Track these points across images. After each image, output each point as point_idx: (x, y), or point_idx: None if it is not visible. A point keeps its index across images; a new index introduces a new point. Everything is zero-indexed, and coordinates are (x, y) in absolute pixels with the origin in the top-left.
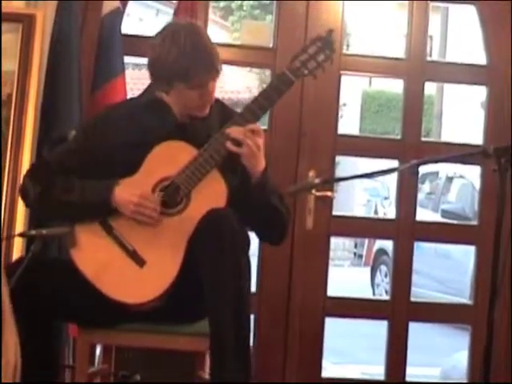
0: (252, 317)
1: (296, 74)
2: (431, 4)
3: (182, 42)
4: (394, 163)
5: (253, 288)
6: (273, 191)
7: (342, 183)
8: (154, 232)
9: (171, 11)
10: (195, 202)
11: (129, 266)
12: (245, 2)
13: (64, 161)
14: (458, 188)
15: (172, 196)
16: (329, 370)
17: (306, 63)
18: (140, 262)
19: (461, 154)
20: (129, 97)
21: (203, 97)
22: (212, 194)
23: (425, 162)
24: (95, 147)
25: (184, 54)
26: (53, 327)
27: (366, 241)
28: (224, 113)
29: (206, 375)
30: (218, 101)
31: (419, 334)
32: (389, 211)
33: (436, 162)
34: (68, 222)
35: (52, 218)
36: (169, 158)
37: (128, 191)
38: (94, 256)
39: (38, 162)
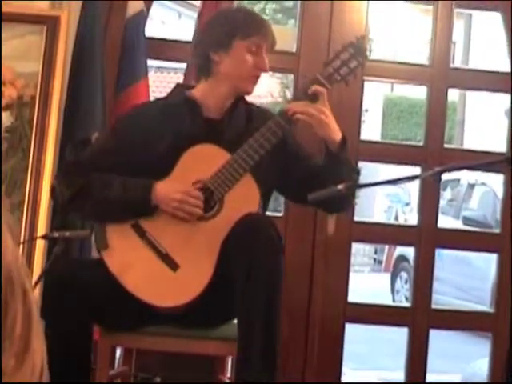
0: None
1: (329, 80)
2: (455, 10)
3: (245, 8)
4: (416, 170)
5: None
6: (348, 165)
7: (363, 189)
8: (187, 236)
9: (193, 14)
10: (228, 207)
11: (162, 270)
12: (267, 6)
13: (97, 161)
14: (479, 195)
15: (205, 200)
16: (348, 376)
17: (338, 69)
18: (173, 266)
19: (485, 161)
20: (156, 97)
21: (258, 64)
22: (245, 198)
23: (448, 169)
24: (128, 148)
25: (249, 13)
26: (81, 328)
27: (386, 247)
28: (249, 112)
29: (226, 379)
30: (245, 102)
31: (439, 340)
32: (410, 217)
33: (460, 169)
34: (105, 220)
35: (87, 217)
36: (202, 162)
37: (170, 187)
38: (126, 259)
39: (71, 161)
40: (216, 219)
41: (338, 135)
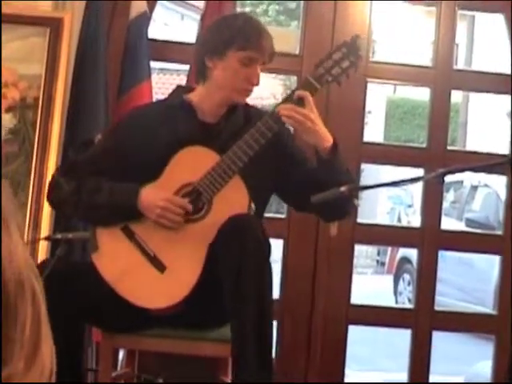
0: (275, 324)
1: (320, 81)
2: (458, 12)
3: (249, 16)
4: (419, 171)
5: (276, 295)
6: (343, 171)
7: (365, 191)
8: (175, 238)
9: (196, 16)
10: (217, 208)
11: (149, 272)
12: (270, 8)
13: (95, 162)
14: (482, 197)
15: (194, 202)
16: (351, 378)
17: (330, 70)
18: (160, 268)
19: (488, 163)
20: (155, 99)
21: (249, 78)
22: (234, 200)
23: (452, 171)
24: (125, 148)
25: (249, 23)
26: (76, 330)
27: (389, 249)
28: (248, 115)
29: (228, 380)
30: (244, 104)
31: (442, 342)
32: (412, 219)
33: (463, 170)
34: (94, 224)
35: (77, 219)
36: (191, 164)
37: (154, 195)
38: (115, 261)
39: (70, 161)
40: (204, 221)
41: (327, 141)
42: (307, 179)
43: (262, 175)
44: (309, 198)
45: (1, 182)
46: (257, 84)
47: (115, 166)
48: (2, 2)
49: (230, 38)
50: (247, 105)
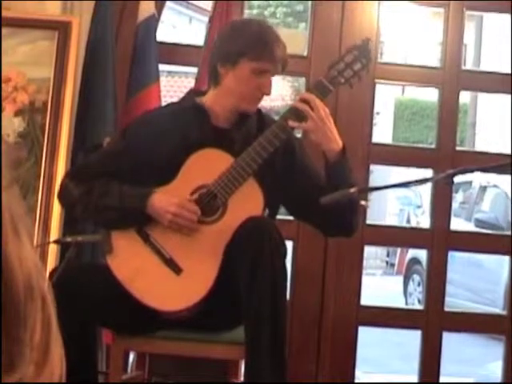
0: None
1: (333, 83)
2: (466, 12)
3: (263, 24)
4: (428, 172)
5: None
6: (350, 178)
7: (374, 192)
8: (190, 240)
9: (204, 19)
10: (232, 210)
11: (165, 274)
12: (278, 10)
13: (105, 164)
14: (491, 197)
15: (209, 204)
16: (361, 379)
17: (342, 72)
18: (177, 270)
19: (497, 163)
20: (168, 102)
21: (260, 87)
22: (249, 201)
23: (461, 172)
24: (136, 151)
25: (264, 33)
26: (89, 332)
27: (399, 250)
28: (262, 122)
29: (239, 382)
30: (257, 111)
31: (452, 343)
32: (421, 220)
33: (472, 171)
34: (104, 227)
35: (88, 222)
36: (206, 166)
37: (165, 200)
38: (130, 263)
39: (80, 163)
40: (219, 223)
41: (336, 145)
42: (313, 193)
43: (273, 182)
44: (310, 210)
45: (1, 182)
46: (268, 94)
47: (125, 168)
48: (11, 6)
49: (243, 47)
50: (261, 112)
